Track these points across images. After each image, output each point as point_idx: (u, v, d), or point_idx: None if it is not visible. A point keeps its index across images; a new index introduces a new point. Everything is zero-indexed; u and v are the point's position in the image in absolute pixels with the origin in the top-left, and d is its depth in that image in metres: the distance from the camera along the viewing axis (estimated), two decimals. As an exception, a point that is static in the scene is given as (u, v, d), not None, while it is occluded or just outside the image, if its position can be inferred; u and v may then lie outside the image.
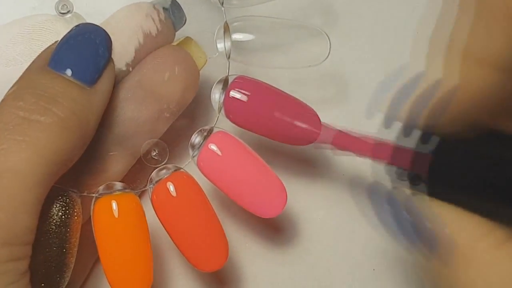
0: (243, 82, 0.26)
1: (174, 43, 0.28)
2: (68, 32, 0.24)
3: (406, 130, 0.23)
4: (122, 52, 0.26)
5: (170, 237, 0.25)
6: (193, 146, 0.26)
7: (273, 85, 0.27)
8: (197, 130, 0.26)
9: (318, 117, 0.26)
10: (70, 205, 0.24)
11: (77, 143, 0.23)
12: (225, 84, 0.26)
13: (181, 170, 0.26)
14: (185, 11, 0.28)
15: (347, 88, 0.32)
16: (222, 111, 0.27)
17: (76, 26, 0.24)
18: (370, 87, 0.31)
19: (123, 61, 0.26)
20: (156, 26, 0.26)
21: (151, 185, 0.25)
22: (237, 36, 0.27)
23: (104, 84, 0.24)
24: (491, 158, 0.22)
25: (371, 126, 0.31)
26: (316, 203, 0.30)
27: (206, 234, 0.25)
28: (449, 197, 0.21)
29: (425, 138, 0.23)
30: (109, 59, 0.24)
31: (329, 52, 0.28)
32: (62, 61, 0.23)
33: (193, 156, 0.26)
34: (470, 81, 0.21)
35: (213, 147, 0.25)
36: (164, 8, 0.27)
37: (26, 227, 0.21)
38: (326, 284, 0.29)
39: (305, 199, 0.30)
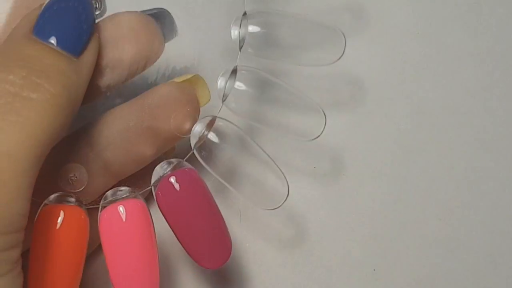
0: (185, 175, 0.25)
1: (183, 78, 0.27)
2: None
3: None
4: (116, 58, 0.25)
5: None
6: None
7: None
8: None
9: (230, 247, 0.25)
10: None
11: (67, 120, 0.22)
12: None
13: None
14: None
15: (362, 90, 0.32)
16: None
17: None
18: (385, 90, 0.32)
19: (118, 68, 0.25)
20: (150, 38, 0.25)
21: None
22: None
23: (89, 55, 0.23)
24: None
25: (386, 129, 0.31)
26: (316, 203, 0.30)
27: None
28: None
29: None
30: (93, 28, 0.23)
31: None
32: (47, 28, 0.22)
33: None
34: None
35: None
36: (155, 19, 0.26)
37: (19, 213, 0.20)
38: (326, 284, 0.29)
39: (305, 199, 0.30)
